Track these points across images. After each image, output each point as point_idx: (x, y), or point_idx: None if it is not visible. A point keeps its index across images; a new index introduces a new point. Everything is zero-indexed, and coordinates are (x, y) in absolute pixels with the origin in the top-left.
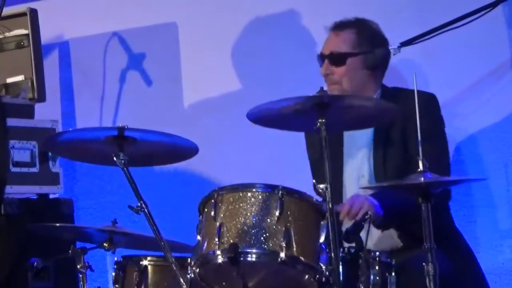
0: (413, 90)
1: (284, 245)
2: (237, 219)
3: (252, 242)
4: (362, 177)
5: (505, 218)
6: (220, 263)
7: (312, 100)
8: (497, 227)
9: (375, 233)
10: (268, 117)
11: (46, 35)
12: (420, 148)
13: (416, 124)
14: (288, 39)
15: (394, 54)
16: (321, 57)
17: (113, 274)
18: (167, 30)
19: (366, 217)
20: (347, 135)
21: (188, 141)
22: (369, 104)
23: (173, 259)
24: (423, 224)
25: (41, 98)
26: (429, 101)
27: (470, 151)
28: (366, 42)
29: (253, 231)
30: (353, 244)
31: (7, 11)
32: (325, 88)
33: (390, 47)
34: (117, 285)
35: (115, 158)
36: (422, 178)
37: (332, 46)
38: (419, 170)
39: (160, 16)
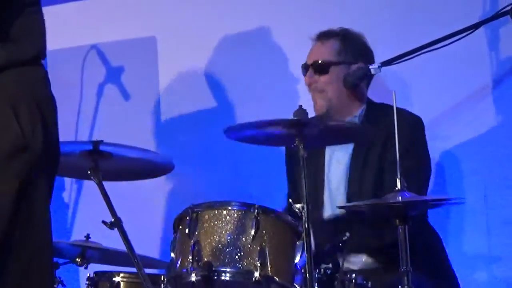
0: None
1: (259, 264)
2: (212, 237)
3: (226, 260)
4: (340, 195)
5: (482, 242)
6: (193, 281)
7: (290, 123)
8: (474, 251)
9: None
10: (246, 133)
11: None
12: (397, 167)
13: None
14: (263, 57)
15: (374, 74)
16: (305, 67)
17: None
18: (146, 44)
19: (344, 238)
20: (329, 150)
21: (164, 157)
22: (347, 127)
23: (146, 276)
24: (399, 247)
25: None
26: (415, 123)
27: (451, 173)
28: (350, 52)
29: (227, 249)
30: (330, 265)
31: None
32: (309, 98)
33: (370, 67)
34: None
35: (89, 173)
36: (400, 197)
37: (316, 55)
38: (396, 188)
39: (140, 30)
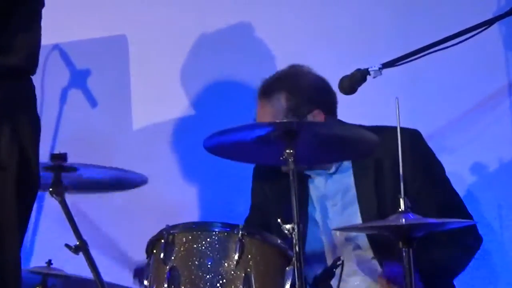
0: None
1: None
2: (190, 263)
3: None
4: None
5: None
6: None
7: (278, 128)
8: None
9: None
10: (226, 146)
11: None
12: (402, 187)
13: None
14: (246, 55)
15: (374, 77)
16: None
17: None
18: (115, 44)
19: (338, 263)
20: (317, 189)
21: (135, 174)
22: (347, 134)
23: None
24: (404, 272)
25: None
26: (415, 138)
27: (460, 189)
28: (302, 102)
29: (208, 276)
30: None
31: None
32: None
33: (370, 69)
34: None
35: (51, 190)
36: (404, 219)
37: (263, 116)
38: (400, 210)
39: (108, 28)
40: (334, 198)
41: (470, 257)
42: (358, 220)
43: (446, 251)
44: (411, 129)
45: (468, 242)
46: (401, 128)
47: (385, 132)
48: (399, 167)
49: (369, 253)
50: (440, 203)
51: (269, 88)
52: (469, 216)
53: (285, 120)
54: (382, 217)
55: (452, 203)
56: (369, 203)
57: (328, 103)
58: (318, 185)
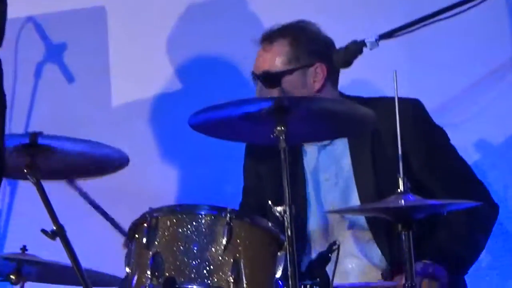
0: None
1: (232, 280)
2: (175, 248)
3: (193, 276)
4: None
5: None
6: None
7: (269, 104)
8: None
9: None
10: (212, 124)
11: None
12: (400, 165)
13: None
14: (236, 28)
15: (371, 49)
16: (254, 77)
17: None
18: (93, 16)
19: (334, 247)
20: (310, 163)
21: (117, 151)
22: (342, 109)
23: None
24: (403, 257)
25: None
26: (417, 108)
27: None
28: (304, 54)
29: (194, 262)
30: (318, 280)
31: None
32: None
33: (366, 40)
34: None
35: (25, 171)
36: (403, 201)
37: (262, 65)
38: (399, 191)
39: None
40: (328, 171)
41: (487, 228)
42: (355, 198)
43: (463, 225)
44: (412, 98)
45: (483, 211)
46: (401, 98)
47: (384, 103)
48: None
49: (367, 234)
50: (447, 173)
51: (273, 34)
52: (480, 184)
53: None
54: (381, 195)
55: (460, 172)
56: (367, 180)
57: (332, 61)
58: (310, 156)
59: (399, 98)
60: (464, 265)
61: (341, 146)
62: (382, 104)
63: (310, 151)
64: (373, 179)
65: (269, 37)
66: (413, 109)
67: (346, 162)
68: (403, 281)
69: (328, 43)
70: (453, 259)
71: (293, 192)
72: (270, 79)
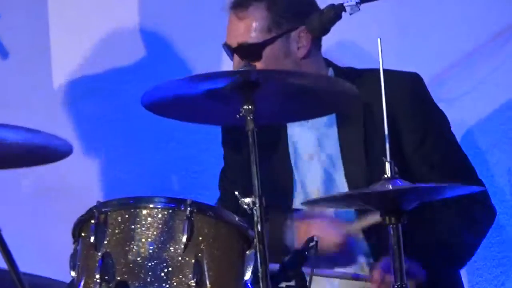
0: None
1: (194, 283)
2: (127, 248)
3: (148, 279)
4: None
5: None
6: None
7: (234, 79)
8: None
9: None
10: (169, 103)
11: None
12: (387, 147)
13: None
14: None
15: (351, 14)
16: (228, 49)
17: None
18: None
19: (311, 244)
20: (292, 139)
21: (58, 139)
22: (320, 86)
23: None
24: (388, 253)
25: None
26: (416, 84)
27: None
28: (285, 16)
29: (149, 264)
30: (293, 284)
31: None
32: None
33: (345, 4)
34: None
35: None
36: (391, 186)
37: (238, 35)
38: (385, 176)
39: None
40: (310, 147)
41: (481, 234)
42: (341, 182)
43: (450, 226)
44: (411, 72)
45: (476, 214)
46: (400, 72)
47: (378, 75)
48: (395, 119)
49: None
50: (442, 165)
51: (244, 2)
52: (479, 182)
53: (245, 68)
54: (371, 177)
55: (458, 166)
56: (356, 158)
57: (316, 23)
58: (294, 132)
59: (397, 72)
60: (444, 266)
61: (329, 121)
62: (377, 76)
63: (294, 125)
64: (363, 159)
65: (241, 4)
66: (412, 84)
67: (333, 137)
68: (378, 275)
69: (309, 1)
70: (432, 260)
71: (278, 173)
72: (247, 52)
